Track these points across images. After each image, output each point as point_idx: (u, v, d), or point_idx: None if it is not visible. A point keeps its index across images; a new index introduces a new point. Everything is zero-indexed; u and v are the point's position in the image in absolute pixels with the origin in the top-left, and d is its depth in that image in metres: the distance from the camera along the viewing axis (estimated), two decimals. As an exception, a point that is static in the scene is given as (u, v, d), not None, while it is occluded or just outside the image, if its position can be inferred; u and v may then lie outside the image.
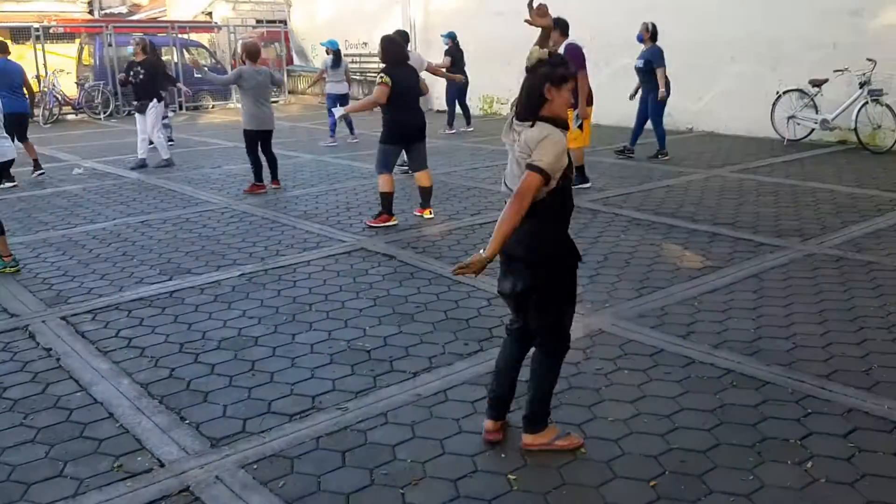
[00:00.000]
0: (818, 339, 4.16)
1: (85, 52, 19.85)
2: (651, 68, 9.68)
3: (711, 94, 12.60)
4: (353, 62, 19.83)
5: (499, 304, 4.76)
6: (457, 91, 13.31)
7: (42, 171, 9.70)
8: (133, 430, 3.38)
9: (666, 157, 10.06)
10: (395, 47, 6.78)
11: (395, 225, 6.85)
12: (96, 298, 5.10)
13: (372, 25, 19.43)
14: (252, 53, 8.31)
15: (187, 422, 3.44)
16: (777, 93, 11.37)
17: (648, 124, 10.15)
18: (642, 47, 9.89)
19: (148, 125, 10.18)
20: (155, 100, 10.18)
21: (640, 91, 10.21)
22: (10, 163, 7.44)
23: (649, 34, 9.77)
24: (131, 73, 10.33)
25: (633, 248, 5.95)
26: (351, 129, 12.79)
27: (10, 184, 8.98)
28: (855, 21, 10.86)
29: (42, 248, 6.40)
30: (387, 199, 6.87)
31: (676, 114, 12.58)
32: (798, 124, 11.20)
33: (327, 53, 12.41)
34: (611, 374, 3.76)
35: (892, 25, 10.50)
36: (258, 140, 8.36)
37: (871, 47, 10.53)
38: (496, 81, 15.75)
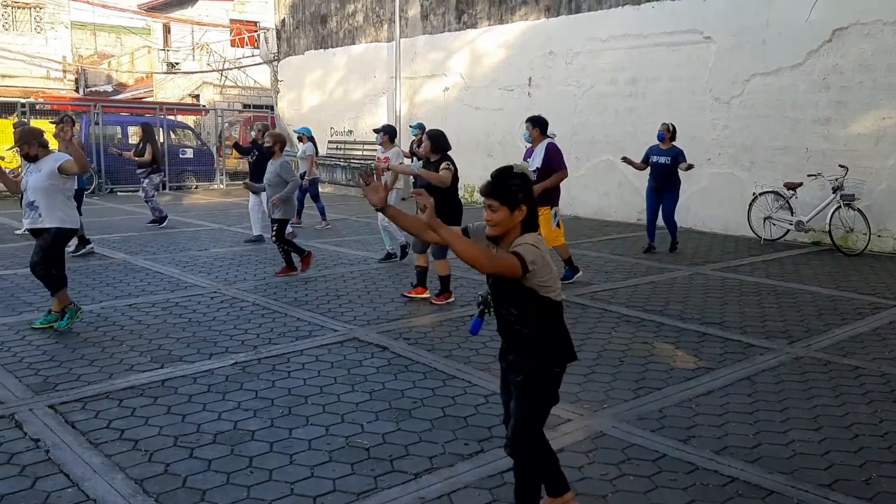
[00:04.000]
0: (816, 447, 4.18)
1: (74, 130, 19.97)
2: (675, 165, 10.09)
3: (689, 193, 12.90)
4: (337, 149, 20.21)
5: (496, 402, 4.74)
6: (424, 182, 13.47)
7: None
8: (128, 529, 3.28)
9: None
10: (446, 139, 7.36)
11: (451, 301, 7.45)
12: (86, 386, 4.99)
13: (357, 114, 19.90)
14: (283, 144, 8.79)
15: (185, 522, 3.34)
16: (753, 194, 11.75)
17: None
18: (660, 146, 10.31)
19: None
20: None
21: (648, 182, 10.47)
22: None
23: (670, 133, 10.20)
24: (252, 153, 11.06)
25: (625, 346, 6.00)
26: (323, 214, 12.95)
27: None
28: (825, 129, 11.34)
29: (27, 330, 6.29)
30: (446, 281, 7.46)
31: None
32: (774, 225, 11.53)
33: (304, 141, 12.80)
34: (616, 480, 3.74)
35: (861, 135, 10.99)
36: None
37: (842, 154, 11.00)
38: (476, 172, 16.07)
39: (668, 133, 10.25)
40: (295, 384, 5.07)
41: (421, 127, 14.04)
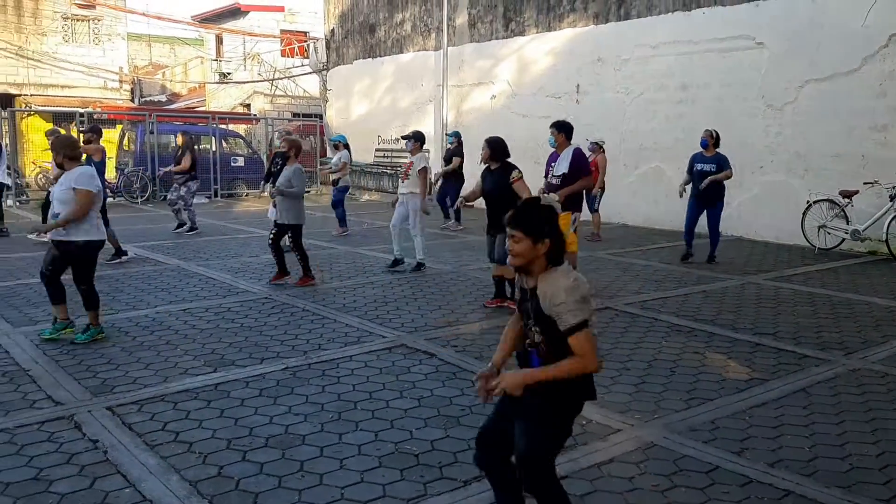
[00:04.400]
0: (874, 461, 4.08)
1: (126, 139, 20.52)
2: (719, 173, 9.96)
3: (740, 201, 12.72)
4: (384, 157, 20.38)
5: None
6: (456, 190, 13.50)
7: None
8: (184, 530, 3.35)
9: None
10: (505, 146, 7.56)
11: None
12: (142, 389, 5.12)
13: (404, 122, 20.03)
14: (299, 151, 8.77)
15: (239, 524, 3.40)
16: (807, 202, 11.48)
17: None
18: (703, 153, 10.13)
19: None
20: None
21: (687, 192, 10.32)
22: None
23: (713, 140, 10.05)
24: (276, 162, 11.10)
25: (676, 356, 5.93)
26: (342, 222, 13.07)
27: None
28: (882, 136, 11.06)
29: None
30: (502, 286, 7.62)
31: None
32: (829, 234, 11.26)
33: (340, 148, 12.94)
34: (668, 492, 3.69)
35: (922, 140, 10.69)
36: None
37: (900, 161, 10.71)
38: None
39: (711, 140, 10.06)
40: (344, 389, 5.12)
41: (457, 135, 14.13)
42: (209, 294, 8.06)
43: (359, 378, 5.35)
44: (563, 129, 8.17)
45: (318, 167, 21.61)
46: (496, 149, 7.41)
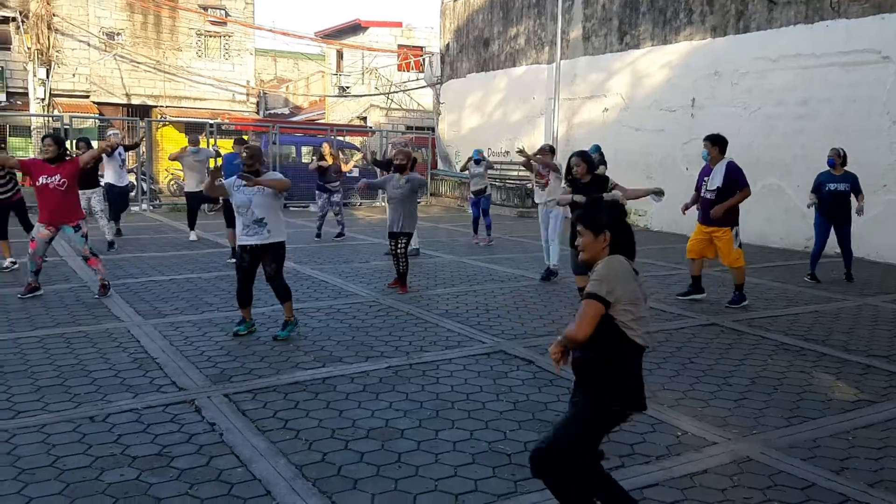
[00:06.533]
0: None
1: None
2: (851, 193, 9.73)
3: (861, 221, 12.12)
4: (494, 169, 20.57)
5: (641, 421, 4.76)
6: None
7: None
8: (288, 508, 3.60)
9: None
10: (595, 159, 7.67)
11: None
12: (256, 379, 5.48)
13: (514, 135, 20.18)
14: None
15: (338, 506, 3.62)
16: (937, 222, 10.87)
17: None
18: (831, 172, 9.85)
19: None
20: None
21: (815, 210, 10.03)
22: None
23: (841, 159, 9.77)
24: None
25: (781, 374, 5.79)
26: (488, 230, 13.46)
27: None
28: None
29: (208, 327, 6.96)
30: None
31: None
32: (960, 256, 10.61)
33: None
34: (759, 505, 3.67)
35: None
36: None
37: None
38: (636, 194, 15.86)
39: (838, 159, 9.74)
40: (443, 390, 5.31)
41: (597, 149, 14.03)
42: (321, 296, 8.46)
43: (457, 380, 5.53)
44: (717, 143, 8.11)
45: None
46: (591, 162, 7.47)
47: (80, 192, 8.49)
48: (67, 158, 8.17)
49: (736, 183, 7.96)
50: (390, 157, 11.93)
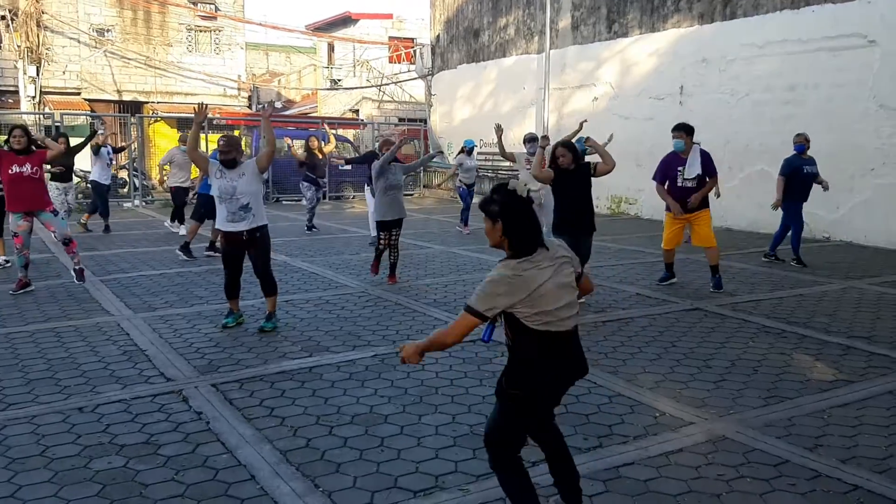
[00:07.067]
0: (958, 464, 3.99)
1: (242, 143, 21.62)
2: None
3: (850, 204, 12.27)
4: (486, 160, 20.65)
5: (619, 402, 4.85)
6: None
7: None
8: (272, 493, 3.67)
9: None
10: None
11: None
12: (244, 369, 5.55)
13: (506, 126, 20.19)
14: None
15: (321, 489, 3.70)
16: (923, 205, 10.97)
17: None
18: (800, 156, 10.00)
19: None
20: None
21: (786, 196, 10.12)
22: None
23: (808, 144, 10.00)
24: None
25: (761, 356, 5.88)
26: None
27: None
28: None
29: (197, 320, 7.03)
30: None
31: (813, 222, 12.33)
32: (947, 239, 10.72)
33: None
34: (732, 482, 3.75)
35: None
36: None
37: None
38: (624, 182, 15.96)
39: (807, 143, 9.95)
40: (428, 376, 5.39)
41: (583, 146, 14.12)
42: (311, 287, 8.53)
43: (442, 366, 5.61)
44: (691, 132, 8.25)
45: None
46: (576, 153, 7.52)
47: (56, 185, 8.73)
48: (34, 149, 8.35)
49: (710, 169, 8.22)
50: (385, 150, 12.05)
